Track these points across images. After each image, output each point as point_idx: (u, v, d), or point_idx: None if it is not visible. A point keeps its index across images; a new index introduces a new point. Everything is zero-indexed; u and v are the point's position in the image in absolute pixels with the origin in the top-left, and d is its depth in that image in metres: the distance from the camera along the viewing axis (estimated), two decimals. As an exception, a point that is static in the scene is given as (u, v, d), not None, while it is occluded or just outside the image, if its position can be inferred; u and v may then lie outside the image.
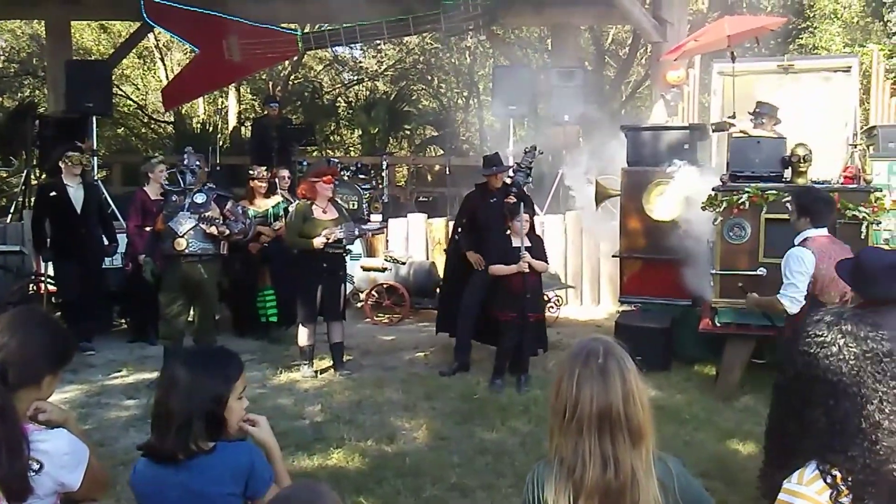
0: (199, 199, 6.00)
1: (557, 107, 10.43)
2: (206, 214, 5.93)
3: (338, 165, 10.38)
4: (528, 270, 5.84)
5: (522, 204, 6.17)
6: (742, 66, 8.03)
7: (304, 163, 10.94)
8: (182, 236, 5.82)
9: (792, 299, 4.37)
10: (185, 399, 2.01)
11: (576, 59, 12.97)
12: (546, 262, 6.22)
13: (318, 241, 6.08)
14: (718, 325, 5.80)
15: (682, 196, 6.72)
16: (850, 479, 1.51)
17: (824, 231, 4.51)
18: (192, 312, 6.16)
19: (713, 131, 7.34)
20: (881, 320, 1.74)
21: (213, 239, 5.94)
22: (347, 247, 6.57)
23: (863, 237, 5.75)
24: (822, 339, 1.63)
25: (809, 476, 1.55)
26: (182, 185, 6.02)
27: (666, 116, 9.75)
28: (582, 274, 9.19)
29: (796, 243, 4.49)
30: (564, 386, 1.71)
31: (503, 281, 5.95)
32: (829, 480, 1.52)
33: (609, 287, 8.97)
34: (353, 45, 18.16)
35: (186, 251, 5.83)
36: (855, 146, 6.54)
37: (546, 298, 7.97)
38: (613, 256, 7.60)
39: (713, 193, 6.16)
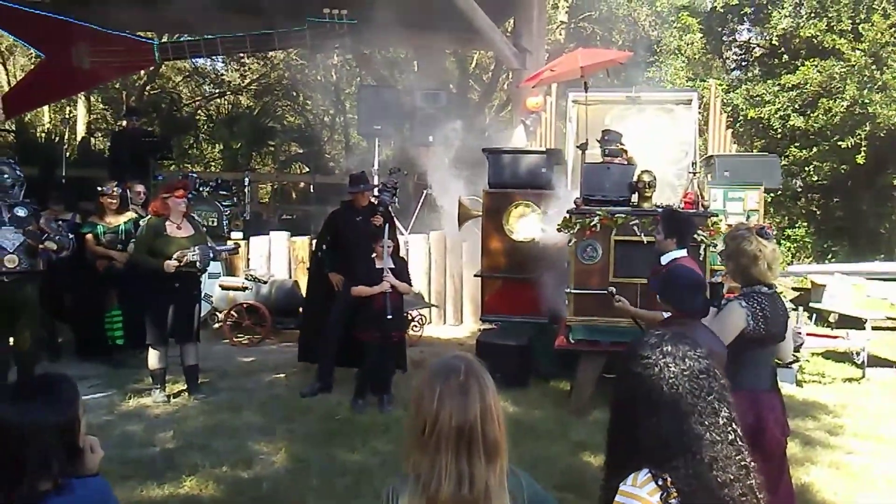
0: (21, 212, 5.56)
1: (422, 128, 10.57)
2: (30, 229, 5.53)
3: (196, 181, 10.03)
4: (390, 291, 5.86)
5: (387, 225, 6.20)
6: (594, 96, 8.45)
7: (160, 177, 10.48)
8: (12, 252, 5.40)
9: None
10: (36, 440, 1.86)
11: (440, 82, 13.23)
12: (409, 283, 6.27)
13: (169, 264, 5.80)
14: (572, 341, 6.03)
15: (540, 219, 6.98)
16: (677, 485, 1.62)
17: (685, 252, 4.78)
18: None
19: (577, 147, 7.65)
20: (689, 331, 1.88)
21: (34, 255, 5.55)
22: (206, 266, 6.31)
23: (701, 259, 6.19)
24: (647, 360, 1.75)
25: (643, 479, 1.66)
26: None
27: (525, 140, 10.11)
28: (445, 293, 9.32)
29: (664, 263, 4.67)
30: (425, 402, 1.72)
31: (366, 301, 5.94)
32: (660, 483, 1.63)
33: (471, 306, 9.15)
34: (214, 58, 17.65)
35: (17, 268, 5.40)
36: (694, 174, 7.01)
37: (409, 317, 8.03)
38: (475, 276, 7.76)
39: (567, 216, 6.45)
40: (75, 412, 1.97)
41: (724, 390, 1.76)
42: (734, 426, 1.72)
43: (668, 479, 1.63)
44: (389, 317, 5.84)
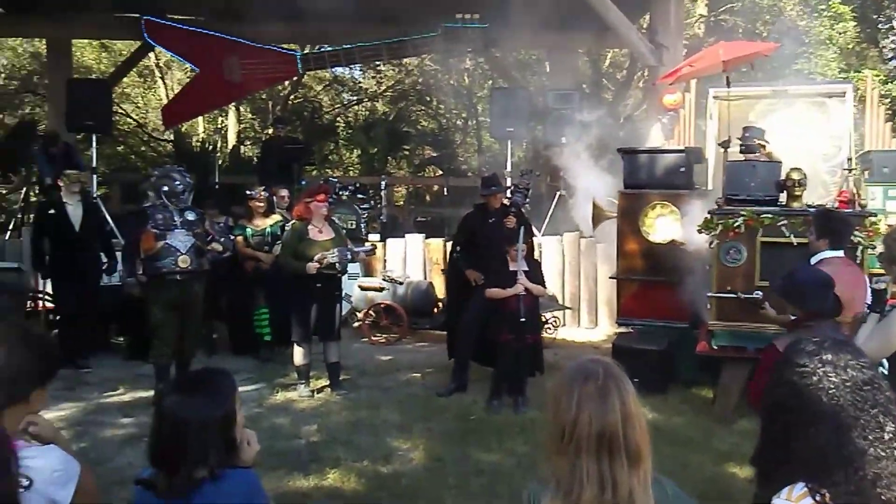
0: (191, 216, 6.03)
1: (555, 128, 10.49)
2: (199, 232, 5.98)
3: (336, 185, 10.44)
4: (524, 293, 5.87)
5: (521, 227, 6.21)
6: (737, 91, 8.10)
7: (304, 182, 10.98)
8: (185, 253, 5.86)
9: None
10: (197, 432, 1.98)
11: (573, 82, 13.09)
12: (543, 285, 6.25)
13: (310, 266, 6.08)
14: (715, 347, 5.81)
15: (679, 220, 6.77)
16: (836, 501, 1.53)
17: (841, 253, 4.54)
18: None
19: (719, 145, 7.37)
20: (816, 334, 1.76)
21: (202, 256, 5.98)
22: (345, 268, 6.56)
23: (858, 262, 5.79)
24: (804, 369, 1.64)
25: (798, 493, 1.57)
26: (167, 202, 5.97)
27: (663, 139, 9.82)
28: (579, 295, 9.21)
29: (813, 262, 4.47)
30: (562, 406, 1.70)
31: (500, 303, 5.98)
32: (818, 498, 1.54)
33: (606, 309, 8.99)
34: (352, 66, 18.29)
35: (189, 268, 5.87)
36: (850, 171, 6.58)
37: (543, 320, 7.99)
38: (611, 278, 7.62)
39: (709, 217, 6.21)
40: (233, 405, 2.08)
41: (891, 403, 1.63)
42: None
43: (827, 495, 1.54)
44: (523, 319, 5.86)
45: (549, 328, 8.20)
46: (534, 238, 8.40)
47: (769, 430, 1.73)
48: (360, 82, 21.31)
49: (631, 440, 1.66)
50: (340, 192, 10.40)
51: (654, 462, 1.74)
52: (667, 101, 9.83)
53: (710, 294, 5.97)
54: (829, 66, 13.72)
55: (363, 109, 21.07)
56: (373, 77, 20.88)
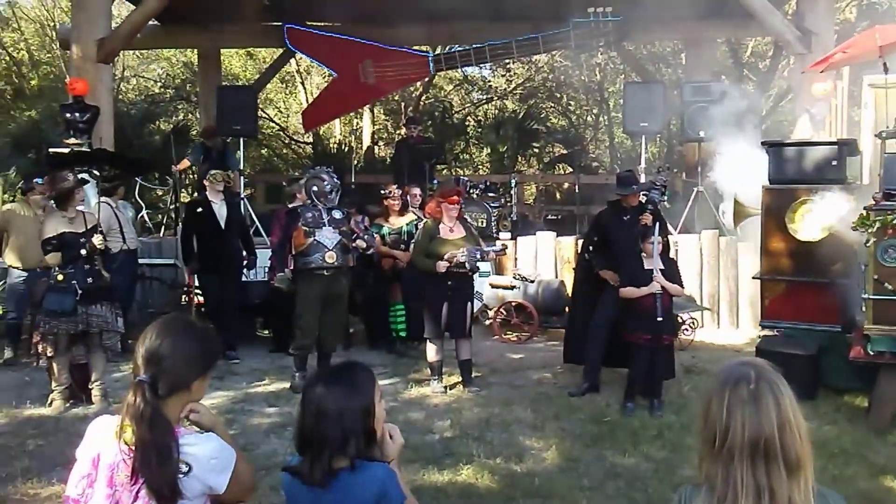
0: (338, 214, 6.34)
1: (692, 122, 10.12)
2: (345, 229, 6.28)
3: (466, 184, 10.54)
4: (660, 292, 5.70)
5: (657, 224, 6.03)
6: (894, 78, 7.51)
7: (436, 182, 11.16)
8: (332, 249, 6.14)
9: None
10: (337, 421, 2.05)
11: (711, 73, 12.57)
12: (681, 285, 6.05)
13: (440, 265, 6.19)
14: (871, 353, 5.42)
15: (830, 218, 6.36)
16: None
17: None
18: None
19: (882, 137, 6.87)
20: None
21: (347, 252, 6.23)
22: (475, 267, 6.60)
23: None
24: None
25: None
26: (316, 201, 6.30)
27: (811, 131, 9.25)
28: (719, 296, 8.84)
29: None
30: (714, 411, 1.66)
31: (635, 303, 5.83)
32: None
33: (748, 310, 8.59)
34: (482, 65, 18.38)
35: (336, 264, 6.13)
36: None
37: (680, 321, 7.74)
38: (754, 278, 7.27)
39: (865, 213, 5.79)
40: (372, 398, 2.14)
41: None
42: None
43: None
44: (660, 319, 5.69)
45: (687, 330, 7.92)
46: (670, 236, 8.15)
47: None
48: (489, 81, 21.39)
49: (788, 447, 1.60)
50: (471, 191, 10.49)
51: None
52: (816, 90, 9.25)
53: (865, 296, 5.57)
54: None
55: (493, 108, 21.13)
56: (502, 75, 20.89)
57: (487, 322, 8.60)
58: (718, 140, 10.20)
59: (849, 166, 6.84)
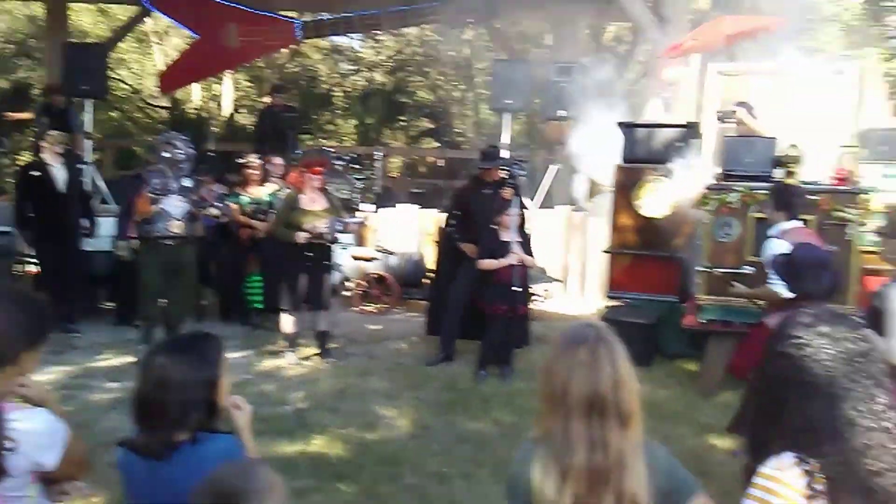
0: (188, 183, 6.06)
1: (554, 101, 10.40)
2: (195, 198, 6.01)
3: (331, 155, 10.38)
4: (517, 264, 5.86)
5: (518, 199, 6.19)
6: (740, 67, 8.03)
7: (299, 152, 10.91)
8: (178, 218, 5.87)
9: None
10: (179, 391, 1.99)
11: (574, 55, 12.96)
12: (532, 257, 6.25)
13: (300, 236, 6.09)
14: (703, 321, 5.81)
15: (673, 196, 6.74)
16: (824, 471, 1.53)
17: (800, 223, 4.67)
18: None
19: (718, 119, 7.32)
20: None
21: (194, 221, 6.00)
22: (332, 240, 6.53)
23: (847, 238, 5.78)
24: (800, 340, 1.64)
25: (787, 462, 1.57)
26: (166, 168, 5.99)
27: (662, 114, 9.74)
28: (570, 269, 9.20)
29: (773, 235, 4.62)
30: (555, 370, 1.72)
31: (492, 274, 5.96)
32: (805, 468, 1.55)
33: (597, 282, 8.98)
34: (351, 35, 18.12)
35: (181, 233, 5.87)
36: (848, 148, 6.53)
37: (533, 292, 7.98)
38: (603, 252, 7.60)
39: (705, 192, 6.18)
40: (217, 370, 2.08)
41: (883, 375, 1.63)
42: (891, 413, 1.59)
43: (815, 465, 1.54)
44: (516, 289, 5.85)
45: (539, 300, 8.19)
46: (526, 210, 8.37)
47: (762, 402, 1.74)
48: (358, 52, 21.13)
49: (622, 403, 1.68)
50: (335, 162, 10.34)
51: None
52: (667, 75, 9.74)
53: (699, 268, 5.96)
54: (832, 43, 13.60)
55: (361, 79, 20.90)
56: (372, 47, 20.69)
57: (347, 294, 8.55)
58: (578, 119, 10.60)
59: (693, 148, 7.27)
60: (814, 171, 6.93)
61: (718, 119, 7.35)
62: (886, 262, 3.62)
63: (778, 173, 6.07)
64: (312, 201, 6.31)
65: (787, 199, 4.74)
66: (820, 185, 6.13)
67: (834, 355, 1.60)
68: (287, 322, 6.27)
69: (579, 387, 1.67)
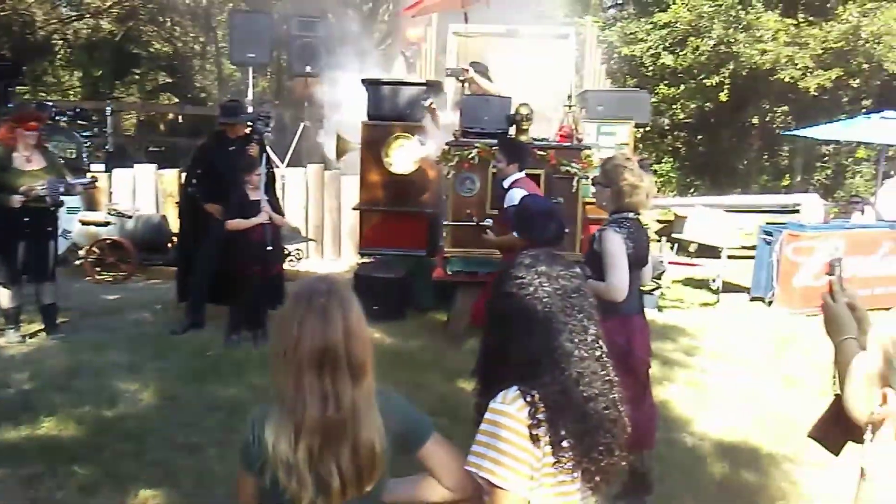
0: None
1: (299, 57, 10.18)
2: None
3: (52, 110, 9.32)
4: (268, 223, 5.70)
5: (263, 156, 5.98)
6: (475, 28, 8.39)
7: (11, 105, 9.65)
8: None
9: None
10: None
11: (318, 10, 12.74)
12: (283, 216, 6.13)
13: (15, 199, 5.45)
14: (450, 273, 6.09)
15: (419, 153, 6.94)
16: (545, 400, 1.65)
17: (523, 173, 5.01)
18: None
19: (447, 75, 7.59)
20: None
21: None
22: (58, 201, 5.90)
23: (574, 190, 6.35)
24: (521, 280, 1.76)
25: (511, 396, 1.68)
26: None
27: (405, 72, 9.94)
28: (323, 227, 9.18)
29: (506, 186, 4.92)
30: (286, 325, 1.68)
31: (243, 234, 5.74)
32: (528, 399, 1.66)
33: (350, 241, 9.06)
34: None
35: None
36: (570, 107, 7.12)
37: (286, 252, 7.86)
38: (353, 209, 7.65)
39: (447, 148, 6.42)
40: None
41: (593, 308, 1.80)
42: (600, 342, 1.77)
43: (536, 395, 1.66)
44: (270, 248, 5.69)
45: (293, 260, 8.09)
46: (276, 169, 8.17)
47: (489, 342, 1.85)
48: (81, -4, 19.04)
49: (354, 356, 1.67)
50: (58, 118, 9.32)
51: (390, 384, 1.78)
52: (409, 34, 9.92)
53: (445, 222, 6.21)
54: (557, 10, 14.69)
55: (85, 27, 18.87)
56: (96, -10, 18.74)
57: (77, 262, 7.80)
58: (325, 75, 10.48)
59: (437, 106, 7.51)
60: (542, 128, 7.54)
61: (447, 76, 7.64)
62: (600, 209, 4.05)
63: (512, 131, 6.50)
64: (28, 161, 5.64)
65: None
66: (548, 141, 6.66)
67: (551, 292, 1.74)
68: (5, 297, 5.59)
69: (310, 340, 1.65)
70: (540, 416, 1.64)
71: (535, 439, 1.63)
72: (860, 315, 2.00)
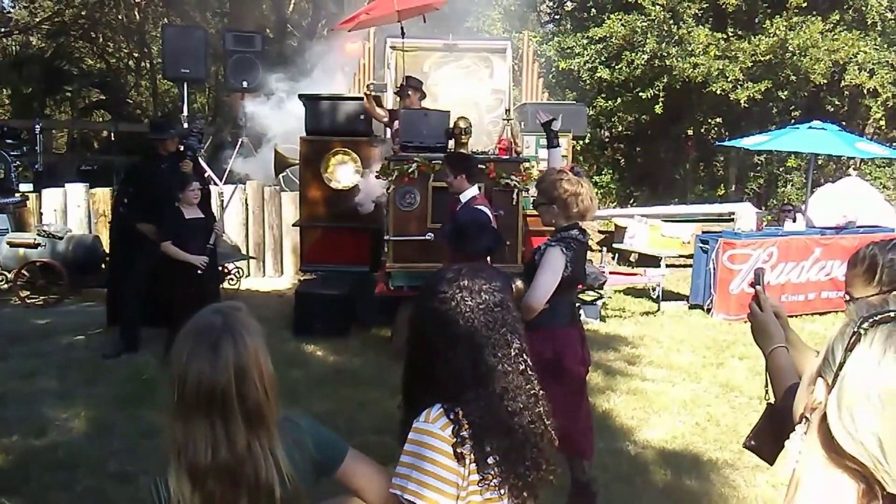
0: None
1: (236, 73, 10.05)
2: None
3: (-24, 128, 9.01)
4: (202, 267, 5.55)
5: (198, 172, 5.86)
6: (412, 42, 8.39)
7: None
8: None
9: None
10: None
11: (256, 25, 12.63)
12: (221, 233, 6.00)
13: None
14: (392, 288, 6.05)
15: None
16: (469, 417, 1.62)
17: (477, 189, 4.97)
18: None
19: (371, 92, 7.52)
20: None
21: None
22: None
23: (514, 203, 6.39)
24: (444, 294, 1.71)
25: (435, 414, 1.63)
26: None
27: (344, 87, 9.90)
28: (264, 244, 9.04)
29: (463, 201, 4.82)
30: (175, 364, 1.56)
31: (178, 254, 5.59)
32: (451, 416, 1.62)
33: (292, 257, 8.94)
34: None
35: None
36: (508, 120, 7.18)
37: (226, 270, 7.71)
38: (293, 225, 7.56)
39: (386, 163, 6.39)
40: None
41: (517, 322, 1.76)
42: (524, 356, 1.73)
43: (460, 412, 1.62)
44: (200, 271, 5.56)
45: (232, 279, 7.94)
46: (214, 187, 8.02)
47: (413, 358, 1.78)
48: (9, 12, 18.47)
49: (247, 398, 1.55)
50: (-18, 137, 9.00)
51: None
52: (348, 48, 9.92)
53: (387, 237, 6.17)
54: (494, 25, 14.85)
55: (13, 43, 18.32)
56: (25, 7, 18.21)
57: (5, 286, 7.50)
58: (261, 90, 10.37)
59: (374, 121, 7.48)
60: (481, 141, 7.58)
61: (396, 94, 7.60)
62: (545, 224, 4.05)
63: (451, 144, 6.51)
64: (-52, 182, 5.40)
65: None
66: (487, 154, 6.70)
67: (473, 306, 1.69)
68: (-76, 324, 5.33)
69: (197, 380, 1.52)
70: (464, 433, 1.60)
71: (459, 457, 1.59)
72: (784, 322, 2.02)
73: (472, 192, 4.86)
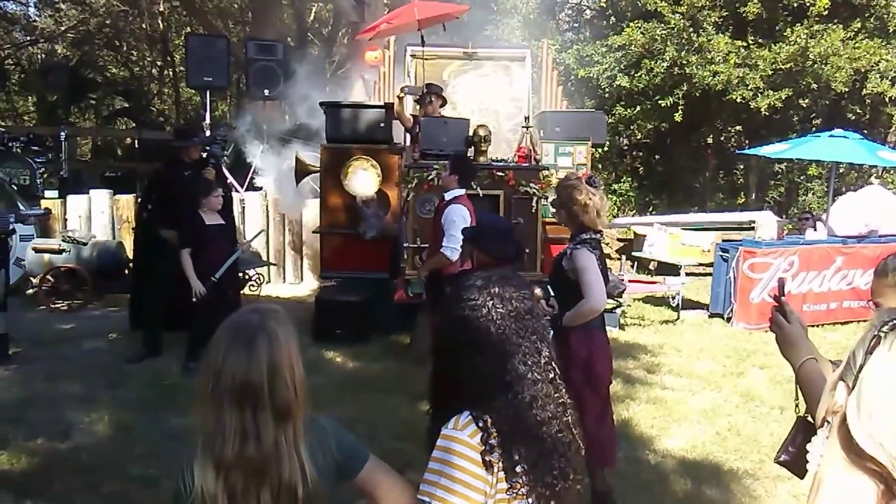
0: None
1: (258, 81, 10.15)
2: None
3: (4, 136, 9.18)
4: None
5: (221, 179, 5.93)
6: (432, 51, 8.45)
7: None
8: None
9: (453, 250, 4.76)
10: None
11: (277, 34, 12.75)
12: (238, 240, 6.06)
13: None
14: (411, 295, 6.07)
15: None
16: (497, 425, 1.63)
17: (463, 191, 5.02)
18: None
19: (406, 94, 7.56)
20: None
21: None
22: (9, 229, 5.77)
23: (533, 211, 6.41)
24: (473, 302, 1.72)
25: (464, 421, 1.64)
26: None
27: (365, 95, 9.97)
28: (284, 251, 9.10)
29: (447, 199, 4.94)
30: (211, 358, 1.61)
31: (199, 260, 5.64)
32: (480, 424, 1.63)
33: (311, 263, 9.00)
34: (26, 1, 16.05)
35: None
36: (527, 128, 7.20)
37: (246, 277, 7.78)
38: (314, 232, 7.61)
39: (406, 170, 6.43)
40: None
41: (545, 330, 1.77)
42: (553, 365, 1.73)
43: (489, 420, 1.62)
44: (214, 279, 5.59)
45: (253, 285, 8.00)
46: (236, 194, 8.11)
47: (441, 365, 1.80)
48: (35, 21, 18.77)
49: (278, 394, 1.60)
50: (10, 144, 9.16)
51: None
52: (368, 57, 9.99)
53: (406, 244, 6.21)
54: (513, 33, 14.87)
55: (39, 51, 18.61)
56: (50, 16, 18.49)
57: (31, 291, 7.62)
58: (284, 99, 10.46)
59: (395, 128, 7.53)
60: (500, 149, 7.60)
61: (406, 94, 7.60)
62: (565, 227, 4.14)
63: (471, 152, 6.53)
64: (-24, 188, 5.51)
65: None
66: (506, 162, 6.73)
67: (504, 314, 1.70)
68: (-47, 328, 5.43)
69: (231, 376, 1.57)
70: (493, 441, 1.60)
71: (488, 465, 1.59)
72: (804, 332, 2.00)
73: (457, 192, 4.96)
